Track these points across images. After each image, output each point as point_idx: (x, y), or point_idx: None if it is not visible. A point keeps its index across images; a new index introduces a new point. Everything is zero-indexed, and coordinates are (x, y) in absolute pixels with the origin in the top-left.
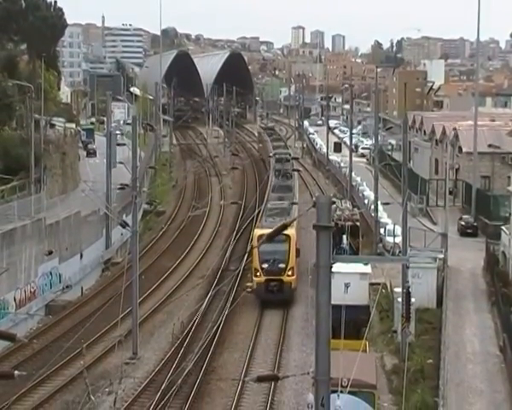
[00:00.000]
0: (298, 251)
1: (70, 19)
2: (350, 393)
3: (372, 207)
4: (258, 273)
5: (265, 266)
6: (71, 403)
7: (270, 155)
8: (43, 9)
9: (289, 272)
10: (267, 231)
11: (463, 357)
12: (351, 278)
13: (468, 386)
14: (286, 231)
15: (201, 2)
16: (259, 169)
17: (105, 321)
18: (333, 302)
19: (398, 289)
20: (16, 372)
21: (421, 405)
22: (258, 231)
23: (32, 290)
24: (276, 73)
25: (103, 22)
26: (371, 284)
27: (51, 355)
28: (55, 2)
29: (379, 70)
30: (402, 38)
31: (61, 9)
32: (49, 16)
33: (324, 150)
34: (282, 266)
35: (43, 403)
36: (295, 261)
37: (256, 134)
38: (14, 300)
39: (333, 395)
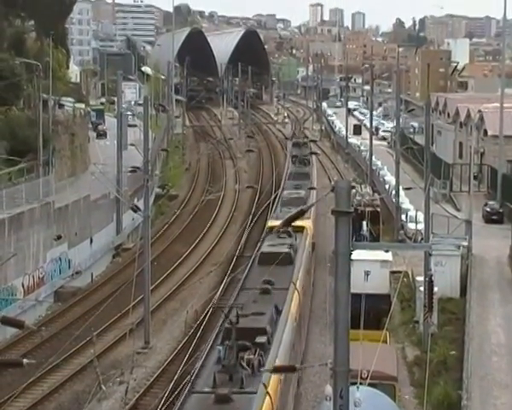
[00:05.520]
0: None
1: None
2: (370, 385)
3: (393, 192)
4: None
5: None
6: (81, 393)
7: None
8: None
9: None
10: None
11: (488, 349)
12: (371, 266)
13: (492, 379)
14: None
15: None
16: (276, 152)
17: (116, 309)
18: (352, 291)
19: (421, 278)
20: (25, 361)
21: (444, 398)
22: None
23: (41, 276)
24: (294, 52)
25: None
26: (392, 273)
27: (61, 343)
28: None
29: (401, 49)
30: (425, 16)
31: None
32: None
33: (343, 133)
34: None
35: (53, 393)
36: None
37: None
38: (23, 286)
39: (352, 387)
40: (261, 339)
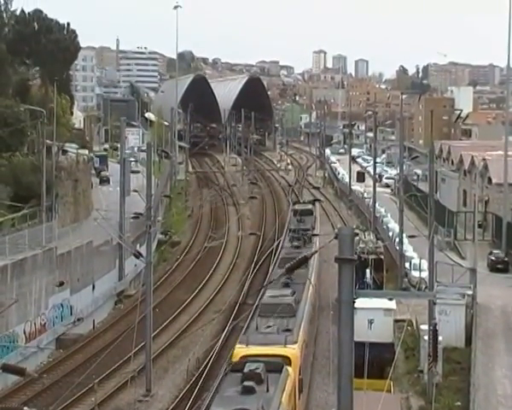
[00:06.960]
0: None
1: (83, 42)
2: None
3: (397, 239)
4: None
5: None
6: None
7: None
8: (56, 32)
9: None
10: None
11: (494, 400)
12: (374, 314)
13: None
14: None
15: (219, 25)
16: (279, 199)
17: (117, 356)
18: (356, 340)
19: (425, 327)
20: (26, 409)
21: None
22: None
23: (43, 323)
24: (297, 98)
25: (117, 45)
26: (396, 321)
27: (62, 391)
28: (68, 24)
29: (404, 97)
30: (428, 64)
31: (74, 32)
32: (61, 39)
33: (347, 180)
34: None
35: None
36: None
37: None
38: (24, 333)
39: None
40: None
